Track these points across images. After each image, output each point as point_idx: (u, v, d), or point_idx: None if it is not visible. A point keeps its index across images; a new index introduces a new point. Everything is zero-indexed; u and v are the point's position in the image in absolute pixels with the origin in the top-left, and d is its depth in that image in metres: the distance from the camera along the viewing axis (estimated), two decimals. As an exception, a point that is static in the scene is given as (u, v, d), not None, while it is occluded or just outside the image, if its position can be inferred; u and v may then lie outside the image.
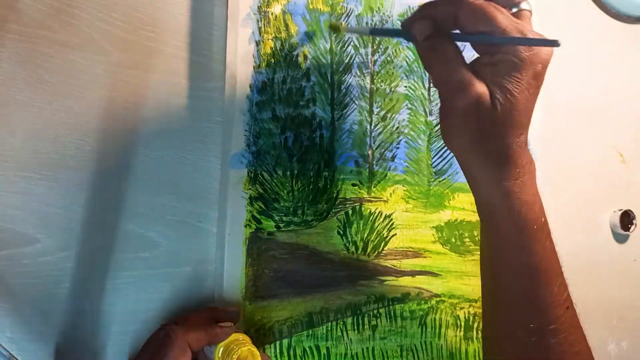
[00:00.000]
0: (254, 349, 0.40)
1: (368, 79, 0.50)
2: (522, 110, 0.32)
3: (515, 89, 0.31)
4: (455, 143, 0.35)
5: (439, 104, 0.35)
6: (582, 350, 0.36)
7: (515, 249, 0.34)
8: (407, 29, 0.35)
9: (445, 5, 0.34)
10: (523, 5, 0.35)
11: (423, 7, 0.35)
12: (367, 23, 0.51)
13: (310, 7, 0.48)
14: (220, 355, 0.40)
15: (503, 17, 0.32)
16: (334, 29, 0.48)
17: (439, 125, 0.53)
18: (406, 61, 0.52)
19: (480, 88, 0.32)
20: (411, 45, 0.52)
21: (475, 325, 0.52)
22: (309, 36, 0.47)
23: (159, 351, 0.38)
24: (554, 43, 0.31)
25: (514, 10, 0.35)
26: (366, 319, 0.49)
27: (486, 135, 0.33)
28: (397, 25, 0.52)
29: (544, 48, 0.32)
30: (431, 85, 0.53)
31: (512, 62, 0.31)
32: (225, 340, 0.40)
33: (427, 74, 0.53)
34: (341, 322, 0.48)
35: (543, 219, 0.35)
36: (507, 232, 0.34)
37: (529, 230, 0.34)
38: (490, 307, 0.38)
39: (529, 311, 0.35)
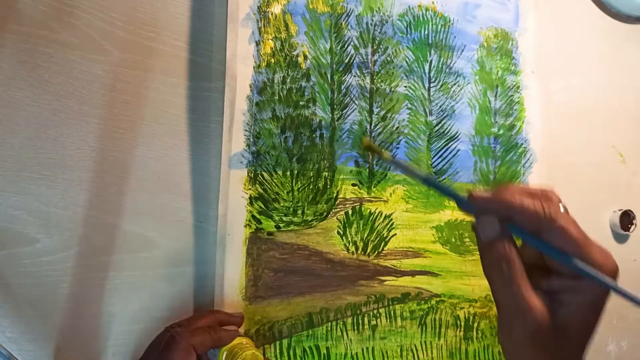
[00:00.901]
0: (258, 353, 0.40)
1: (368, 79, 0.50)
2: (592, 336, 0.30)
3: (587, 317, 0.29)
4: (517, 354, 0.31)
5: (498, 316, 0.31)
6: None
7: None
8: (470, 209, 0.30)
9: (529, 215, 0.28)
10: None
11: (500, 201, 0.29)
12: (367, 23, 0.51)
13: (311, 7, 0.48)
14: (224, 358, 0.40)
15: (597, 251, 0.28)
16: (381, 155, 0.35)
17: (439, 125, 0.53)
18: (406, 61, 0.52)
19: (542, 312, 0.29)
20: (411, 46, 0.52)
21: (475, 325, 0.52)
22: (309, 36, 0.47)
23: (163, 354, 0.38)
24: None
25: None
26: (366, 319, 0.49)
27: (554, 353, 0.30)
28: (397, 25, 0.52)
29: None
30: (431, 85, 0.53)
31: (597, 293, 0.29)
32: (229, 343, 0.40)
33: (426, 74, 0.53)
34: (341, 322, 0.48)
35: None
36: None
37: None
38: None
39: None
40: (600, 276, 0.28)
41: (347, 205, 0.49)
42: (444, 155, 0.53)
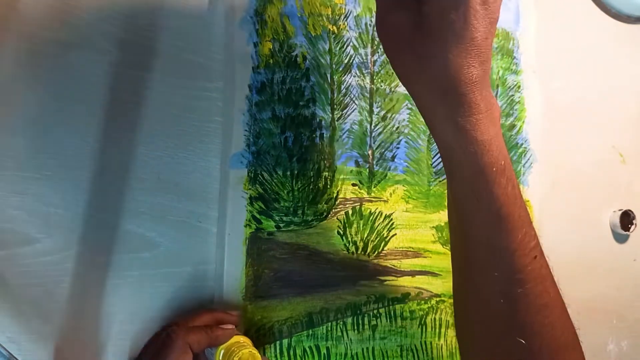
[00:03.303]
0: (255, 352, 0.40)
1: (368, 79, 0.50)
2: (468, 39, 0.30)
3: (458, 10, 0.30)
4: (395, 60, 0.33)
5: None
6: (551, 304, 0.35)
7: (474, 194, 0.33)
8: None
9: None
10: None
11: None
12: (366, 24, 0.51)
13: (308, 8, 0.48)
14: (221, 357, 0.40)
15: None
16: None
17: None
18: (406, 61, 0.52)
19: (417, 8, 0.31)
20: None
21: (475, 325, 0.52)
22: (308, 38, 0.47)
23: (160, 353, 0.38)
24: None
25: None
26: (366, 319, 0.49)
27: (426, 60, 0.31)
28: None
29: None
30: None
31: None
32: (226, 342, 0.40)
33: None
34: (341, 322, 0.48)
35: (503, 162, 0.32)
36: (464, 175, 0.33)
37: (488, 174, 0.32)
38: (457, 262, 0.37)
39: (493, 260, 0.33)
40: None
41: (347, 205, 0.49)
42: (444, 155, 0.53)
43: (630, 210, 0.63)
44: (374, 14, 0.51)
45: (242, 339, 0.41)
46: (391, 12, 0.32)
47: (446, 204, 0.52)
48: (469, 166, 0.32)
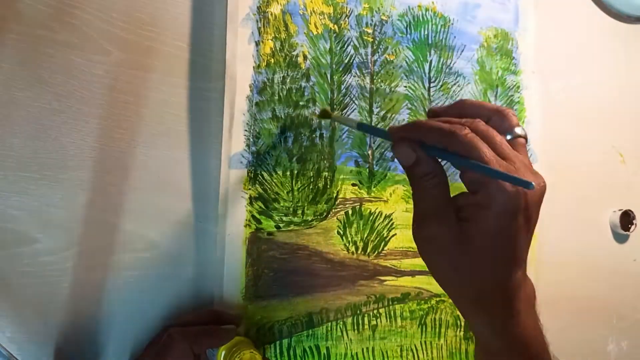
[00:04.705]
0: (256, 353, 0.40)
1: (368, 79, 0.50)
2: (513, 257, 0.31)
3: (503, 234, 0.30)
4: (431, 266, 0.34)
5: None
6: None
7: None
8: (392, 143, 0.33)
9: (435, 133, 0.31)
10: (518, 132, 0.33)
11: (413, 127, 0.33)
12: (367, 23, 0.51)
13: (310, 7, 0.48)
14: (222, 358, 0.40)
15: (491, 154, 0.30)
16: (323, 115, 0.47)
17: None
18: (406, 61, 0.52)
19: (457, 224, 0.31)
20: (411, 46, 0.53)
21: (475, 325, 0.52)
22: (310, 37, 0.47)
23: (161, 353, 0.38)
24: (527, 185, 0.28)
25: (509, 137, 0.33)
26: (366, 319, 0.49)
27: (466, 274, 0.31)
28: (397, 25, 0.52)
29: (531, 191, 0.30)
30: (431, 85, 0.53)
31: (499, 205, 0.30)
32: (227, 343, 0.40)
33: (426, 74, 0.53)
34: (341, 322, 0.48)
35: (544, 350, 0.33)
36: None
37: None
38: None
39: None
40: (484, 166, 0.29)
41: (347, 205, 0.49)
42: (444, 155, 0.53)
43: (630, 210, 0.63)
44: (374, 13, 0.51)
45: (244, 340, 0.41)
46: (431, 223, 0.32)
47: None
48: (508, 356, 0.33)
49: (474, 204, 0.31)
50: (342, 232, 0.48)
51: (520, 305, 0.32)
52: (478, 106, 0.35)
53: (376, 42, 0.51)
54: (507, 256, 0.31)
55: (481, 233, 0.30)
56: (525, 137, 0.34)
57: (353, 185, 0.49)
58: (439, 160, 0.33)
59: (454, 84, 0.54)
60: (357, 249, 0.49)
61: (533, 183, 0.28)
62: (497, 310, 0.32)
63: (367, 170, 0.50)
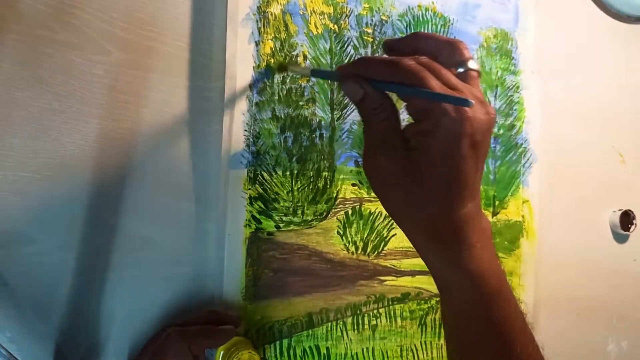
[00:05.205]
0: (255, 353, 0.40)
1: (368, 79, 0.50)
2: (459, 184, 0.31)
3: (449, 160, 0.30)
4: (383, 200, 0.34)
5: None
6: None
7: (471, 317, 0.33)
8: (342, 81, 0.34)
9: (380, 66, 0.33)
10: (470, 65, 0.33)
11: (358, 63, 0.34)
12: (367, 23, 0.51)
13: (310, 7, 0.48)
14: (220, 358, 0.40)
15: (436, 83, 0.30)
16: (281, 69, 0.46)
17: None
18: (406, 61, 0.52)
19: (405, 155, 0.32)
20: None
21: (475, 325, 0.52)
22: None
23: (159, 353, 0.38)
24: (465, 102, 0.29)
25: (460, 70, 0.33)
26: (366, 319, 0.49)
27: (416, 204, 0.32)
28: (397, 25, 0.52)
29: (480, 115, 0.30)
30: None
31: (443, 130, 0.30)
32: (226, 343, 0.40)
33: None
34: (341, 322, 0.48)
35: (501, 283, 0.33)
36: (460, 300, 0.33)
37: (484, 301, 0.32)
38: None
39: None
40: (424, 91, 0.30)
41: (347, 205, 0.49)
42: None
43: (630, 210, 0.63)
44: (374, 13, 0.51)
45: (242, 340, 0.41)
46: (379, 155, 0.32)
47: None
48: (464, 294, 0.33)
49: (420, 131, 0.31)
50: (342, 232, 0.48)
51: (473, 238, 0.32)
52: (431, 38, 0.35)
53: (376, 42, 0.51)
54: (455, 183, 0.31)
55: (428, 160, 0.31)
56: (477, 71, 0.34)
57: (353, 185, 0.49)
58: (388, 94, 0.34)
59: (454, 84, 0.54)
60: (357, 249, 0.49)
61: (472, 101, 0.29)
62: (449, 241, 0.32)
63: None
